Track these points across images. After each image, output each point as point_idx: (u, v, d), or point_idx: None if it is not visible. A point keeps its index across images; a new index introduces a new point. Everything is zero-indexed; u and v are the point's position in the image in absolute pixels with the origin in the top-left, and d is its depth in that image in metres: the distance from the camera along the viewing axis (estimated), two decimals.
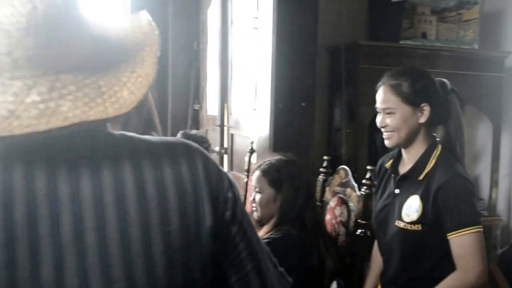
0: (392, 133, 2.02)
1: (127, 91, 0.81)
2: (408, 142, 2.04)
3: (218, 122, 4.45)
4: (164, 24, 5.07)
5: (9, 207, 0.77)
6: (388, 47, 3.59)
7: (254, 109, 3.65)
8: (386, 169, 2.18)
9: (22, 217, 0.77)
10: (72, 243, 0.79)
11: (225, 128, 4.41)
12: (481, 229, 1.90)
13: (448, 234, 1.90)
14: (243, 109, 4.09)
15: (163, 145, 0.91)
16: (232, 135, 4.36)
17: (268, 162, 2.40)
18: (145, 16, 0.93)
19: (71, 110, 0.76)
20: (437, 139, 2.08)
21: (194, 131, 3.78)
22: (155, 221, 0.84)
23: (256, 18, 3.60)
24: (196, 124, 5.23)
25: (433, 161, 1.99)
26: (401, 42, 3.76)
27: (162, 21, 4.98)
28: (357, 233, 2.48)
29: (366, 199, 2.45)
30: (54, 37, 0.78)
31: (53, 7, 0.77)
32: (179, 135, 3.52)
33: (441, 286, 1.92)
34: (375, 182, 2.30)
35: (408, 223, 1.96)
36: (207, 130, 4.96)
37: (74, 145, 0.83)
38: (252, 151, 3.66)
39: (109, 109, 0.78)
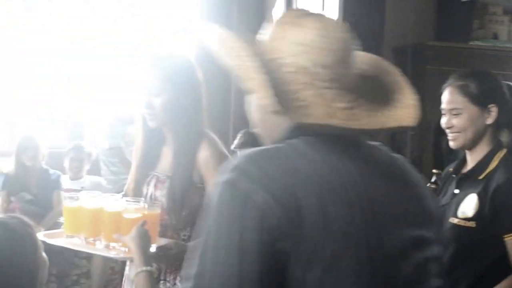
0: (458, 134, 1.98)
1: (400, 111, 1.05)
2: (473, 143, 1.99)
3: None
4: (229, 24, 5.12)
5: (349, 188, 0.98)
6: (456, 48, 3.51)
7: None
8: (449, 173, 2.14)
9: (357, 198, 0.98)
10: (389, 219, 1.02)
11: None
12: None
13: (505, 236, 1.86)
14: None
15: (404, 160, 1.16)
16: None
17: None
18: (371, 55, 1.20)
19: (365, 117, 1.01)
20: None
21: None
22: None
23: None
24: None
25: (496, 162, 1.95)
26: (470, 43, 3.66)
27: (226, 22, 5.03)
28: None
29: None
30: (347, 60, 1.05)
31: (348, 40, 1.07)
32: (240, 134, 3.54)
33: None
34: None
35: (462, 219, 1.92)
36: None
37: (368, 149, 1.09)
38: None
39: (390, 121, 1.04)
